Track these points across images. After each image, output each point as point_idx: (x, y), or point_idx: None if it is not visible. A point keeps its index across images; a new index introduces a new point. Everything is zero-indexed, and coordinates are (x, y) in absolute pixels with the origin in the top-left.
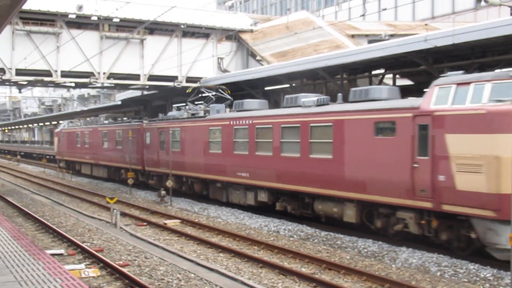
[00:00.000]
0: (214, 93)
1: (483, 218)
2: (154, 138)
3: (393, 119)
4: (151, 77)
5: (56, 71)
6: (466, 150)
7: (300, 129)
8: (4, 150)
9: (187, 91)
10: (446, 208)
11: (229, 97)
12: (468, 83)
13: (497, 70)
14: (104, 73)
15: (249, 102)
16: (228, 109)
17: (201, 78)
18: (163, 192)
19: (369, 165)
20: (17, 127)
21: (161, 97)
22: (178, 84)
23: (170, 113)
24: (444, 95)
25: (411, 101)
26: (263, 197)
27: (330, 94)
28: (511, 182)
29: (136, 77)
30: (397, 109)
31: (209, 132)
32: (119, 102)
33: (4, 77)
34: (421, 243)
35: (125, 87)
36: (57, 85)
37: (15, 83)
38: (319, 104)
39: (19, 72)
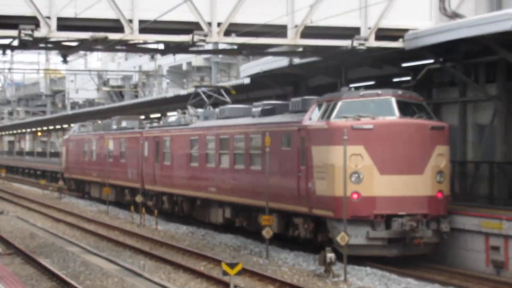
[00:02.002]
0: (210, 94)
1: (330, 218)
2: (151, 149)
3: (289, 132)
4: (308, 32)
5: (130, 21)
6: (319, 160)
7: (244, 140)
8: (34, 170)
9: (182, 92)
10: (315, 211)
11: (227, 99)
12: (331, 101)
13: (353, 89)
14: (218, 25)
15: (231, 109)
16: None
17: (406, 30)
18: (329, 256)
19: (280, 175)
20: (58, 126)
21: (327, 69)
22: (361, 44)
23: (172, 118)
24: (316, 111)
25: (299, 116)
26: (227, 213)
27: None
28: (342, 187)
29: (280, 31)
30: (291, 123)
31: (190, 143)
32: (245, 81)
33: (37, 34)
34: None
35: (259, 50)
36: (132, 47)
37: (56, 45)
38: (264, 114)
39: (64, 25)
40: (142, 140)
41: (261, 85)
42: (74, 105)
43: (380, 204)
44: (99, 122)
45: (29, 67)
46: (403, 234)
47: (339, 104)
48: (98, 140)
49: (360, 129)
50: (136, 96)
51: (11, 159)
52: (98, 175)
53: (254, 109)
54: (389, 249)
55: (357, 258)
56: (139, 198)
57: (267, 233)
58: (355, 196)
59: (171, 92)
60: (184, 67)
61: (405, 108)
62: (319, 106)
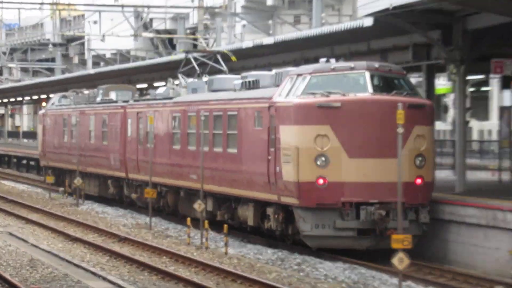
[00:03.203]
0: (204, 61)
1: (296, 207)
2: (134, 127)
3: (260, 109)
4: None
5: None
6: (285, 141)
7: (221, 118)
8: (36, 161)
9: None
10: (283, 199)
11: (223, 67)
12: (301, 75)
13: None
14: None
15: (221, 80)
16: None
17: None
18: None
19: (253, 159)
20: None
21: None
22: None
23: (160, 89)
24: (287, 86)
25: (270, 91)
26: (209, 206)
27: None
28: (309, 171)
29: None
30: (262, 99)
31: (173, 121)
32: (365, 22)
33: None
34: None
35: None
36: None
37: None
38: (244, 87)
39: None
40: (124, 117)
41: (388, 29)
42: (98, 60)
43: (348, 191)
44: (85, 92)
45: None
46: (372, 224)
47: (308, 78)
48: (78, 116)
49: (326, 107)
50: (195, 46)
51: None
52: (79, 162)
53: (235, 82)
54: (359, 241)
55: (328, 251)
56: (78, 181)
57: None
58: (320, 181)
59: (248, 41)
60: (270, 1)
61: (382, 84)
62: (291, 80)
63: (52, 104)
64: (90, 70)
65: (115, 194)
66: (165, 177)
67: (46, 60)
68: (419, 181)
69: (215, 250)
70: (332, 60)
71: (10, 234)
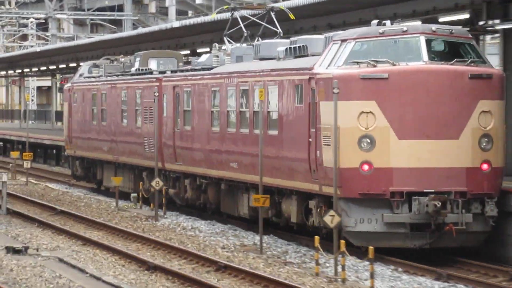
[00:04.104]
0: (255, 20)
1: (338, 198)
2: (170, 105)
3: (300, 82)
4: None
5: None
6: (326, 121)
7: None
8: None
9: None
10: (324, 190)
11: (278, 29)
12: (345, 40)
13: (379, 23)
14: None
15: (270, 45)
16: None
17: None
18: None
19: (294, 142)
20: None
21: None
22: None
23: (203, 58)
24: (330, 54)
25: (314, 60)
26: (251, 200)
27: None
28: (352, 156)
29: None
30: (303, 70)
31: (212, 96)
32: None
33: None
34: None
35: None
36: None
37: None
38: (289, 55)
39: None
40: (160, 92)
41: None
42: (185, 7)
43: (398, 179)
44: (121, 59)
45: None
46: (427, 218)
47: (352, 45)
48: (109, 91)
49: (372, 78)
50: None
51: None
52: (110, 151)
53: (279, 48)
54: (413, 238)
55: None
56: (157, 184)
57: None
58: (365, 167)
59: None
60: None
61: (441, 50)
62: (335, 46)
63: (81, 75)
64: (174, 22)
65: (150, 190)
66: (203, 166)
67: (111, 8)
68: (485, 166)
69: (355, 284)
70: (387, 23)
71: (61, 260)
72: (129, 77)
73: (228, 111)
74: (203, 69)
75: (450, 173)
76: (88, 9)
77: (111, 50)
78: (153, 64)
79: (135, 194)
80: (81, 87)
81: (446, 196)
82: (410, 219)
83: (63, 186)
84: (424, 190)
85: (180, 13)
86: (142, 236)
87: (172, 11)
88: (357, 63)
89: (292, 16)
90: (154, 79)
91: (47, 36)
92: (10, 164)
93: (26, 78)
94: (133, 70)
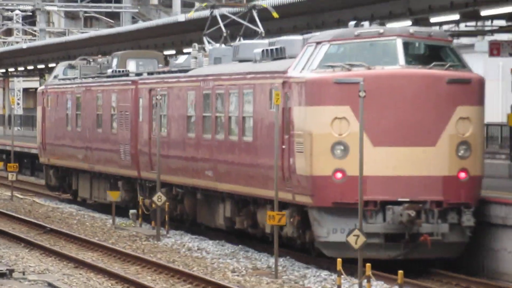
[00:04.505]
0: (235, 19)
1: (311, 207)
2: (146, 109)
3: (274, 86)
4: None
5: None
6: (299, 126)
7: (238, 98)
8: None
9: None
10: (297, 199)
11: (259, 28)
12: (320, 42)
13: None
14: None
15: (249, 46)
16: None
17: None
18: None
19: (269, 149)
20: None
21: None
22: None
23: (181, 59)
24: (304, 57)
25: (289, 63)
26: (227, 211)
27: None
28: (324, 163)
29: None
30: (276, 74)
31: (188, 100)
32: None
33: None
34: None
35: None
36: None
37: None
38: (265, 57)
39: None
40: (136, 95)
41: None
42: None
43: (372, 187)
44: (98, 59)
45: None
46: (401, 228)
47: (326, 47)
48: (84, 95)
49: (346, 83)
50: None
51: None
52: (85, 159)
53: (255, 50)
54: (386, 249)
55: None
56: (159, 199)
57: None
58: (338, 175)
59: None
60: None
61: (418, 54)
62: (310, 49)
63: (55, 77)
64: (179, 16)
65: (127, 201)
66: (179, 175)
67: (107, 0)
68: (462, 175)
69: None
70: (366, 24)
71: (50, 285)
72: (105, 79)
73: (203, 116)
74: (179, 71)
75: (426, 181)
76: (81, 1)
77: (107, 47)
78: (131, 65)
79: (134, 211)
80: (55, 89)
81: (420, 205)
82: (384, 229)
83: (53, 201)
84: (399, 199)
85: (186, 5)
86: (142, 258)
87: (176, 3)
88: (332, 66)
89: (275, 15)
90: (130, 82)
91: (35, 31)
92: None
93: (11, 79)
94: (109, 71)
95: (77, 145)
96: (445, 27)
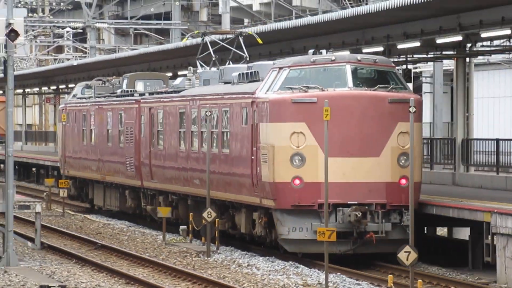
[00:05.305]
0: (224, 45)
1: (274, 209)
2: (147, 126)
3: (246, 105)
4: None
5: None
6: (264, 140)
7: (218, 115)
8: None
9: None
10: (264, 202)
11: (244, 53)
12: (282, 68)
13: (314, 52)
14: None
15: (233, 70)
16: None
17: None
18: None
19: (241, 159)
20: None
21: None
22: None
23: (176, 81)
24: (269, 80)
25: (256, 85)
26: (212, 214)
27: None
28: (285, 171)
29: None
30: (247, 94)
31: (179, 118)
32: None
33: None
34: None
35: None
36: None
37: None
38: (242, 80)
39: None
40: (138, 113)
41: None
42: (240, 15)
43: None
44: (112, 79)
45: None
46: (350, 226)
47: (286, 72)
48: (97, 112)
49: (302, 102)
50: None
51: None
52: (98, 170)
53: (233, 74)
54: (338, 245)
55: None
56: (209, 215)
57: None
58: (297, 182)
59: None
60: None
61: (366, 77)
62: (274, 73)
63: (74, 96)
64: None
65: (133, 208)
66: (174, 183)
67: (157, 16)
68: (403, 181)
69: None
70: (324, 51)
71: None
72: (114, 98)
73: (192, 132)
74: (174, 92)
75: (371, 187)
76: (131, 17)
77: (156, 64)
78: (140, 86)
79: (184, 227)
80: (73, 107)
81: (366, 207)
82: (336, 227)
83: (104, 217)
84: (349, 202)
85: (235, 21)
86: (192, 274)
87: (226, 19)
88: (291, 88)
89: (260, 41)
90: (134, 101)
91: (85, 48)
92: (45, 193)
93: (61, 96)
94: (118, 91)
95: (92, 157)
96: (496, 42)
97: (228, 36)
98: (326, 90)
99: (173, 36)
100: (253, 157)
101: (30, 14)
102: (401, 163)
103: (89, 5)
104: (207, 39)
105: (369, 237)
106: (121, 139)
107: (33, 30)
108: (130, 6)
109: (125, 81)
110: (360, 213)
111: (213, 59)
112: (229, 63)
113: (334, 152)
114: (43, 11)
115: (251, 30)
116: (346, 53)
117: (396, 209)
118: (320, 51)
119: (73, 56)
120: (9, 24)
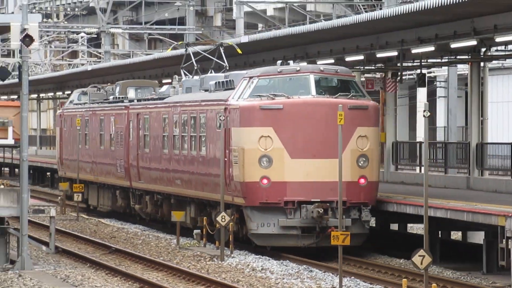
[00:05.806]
0: (206, 55)
1: (245, 206)
2: (135, 130)
3: (220, 111)
4: None
5: None
6: (235, 143)
7: (195, 120)
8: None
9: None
10: (235, 200)
11: (224, 63)
12: (252, 77)
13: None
14: None
15: (212, 78)
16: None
17: None
18: None
19: (216, 160)
20: None
21: None
22: None
23: (162, 88)
24: (240, 88)
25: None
26: (192, 213)
27: None
28: (253, 172)
29: None
30: (221, 101)
31: (163, 123)
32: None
33: None
34: None
35: None
36: None
37: None
38: (218, 88)
39: None
40: (127, 119)
41: None
42: (254, 20)
43: (291, 190)
44: (107, 86)
45: None
46: (313, 222)
47: (255, 81)
48: (91, 117)
49: (269, 109)
50: None
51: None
52: (91, 171)
53: (210, 82)
54: (302, 239)
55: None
56: (223, 218)
57: None
58: (264, 181)
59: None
60: None
61: (327, 86)
62: (244, 82)
63: (71, 102)
64: (242, 36)
65: (124, 207)
66: (158, 183)
67: (171, 21)
68: (362, 181)
69: None
70: (291, 62)
71: None
72: (107, 104)
73: (174, 136)
74: (159, 99)
75: (333, 186)
76: (146, 23)
77: (171, 69)
78: (131, 93)
79: (198, 231)
80: (69, 113)
81: (328, 204)
82: (300, 223)
83: (118, 221)
84: (312, 200)
85: (249, 26)
86: (206, 277)
87: (240, 24)
88: (260, 96)
89: (239, 51)
90: (124, 107)
91: (100, 53)
92: (59, 197)
93: None
94: (111, 98)
95: (86, 160)
96: (510, 46)
97: (210, 46)
98: (291, 97)
99: (188, 41)
100: (226, 159)
101: (44, 20)
102: (360, 164)
103: (104, 11)
104: (190, 50)
105: (330, 231)
106: (112, 143)
107: (47, 36)
108: (145, 11)
109: (117, 88)
110: (322, 210)
111: (195, 68)
112: (211, 72)
113: (299, 154)
114: (57, 16)
115: (231, 41)
116: (309, 65)
117: (356, 206)
118: (288, 62)
119: (87, 61)
120: (24, 30)
